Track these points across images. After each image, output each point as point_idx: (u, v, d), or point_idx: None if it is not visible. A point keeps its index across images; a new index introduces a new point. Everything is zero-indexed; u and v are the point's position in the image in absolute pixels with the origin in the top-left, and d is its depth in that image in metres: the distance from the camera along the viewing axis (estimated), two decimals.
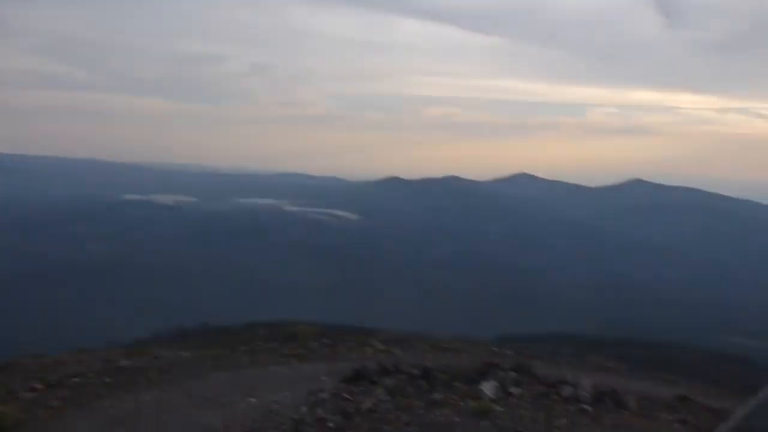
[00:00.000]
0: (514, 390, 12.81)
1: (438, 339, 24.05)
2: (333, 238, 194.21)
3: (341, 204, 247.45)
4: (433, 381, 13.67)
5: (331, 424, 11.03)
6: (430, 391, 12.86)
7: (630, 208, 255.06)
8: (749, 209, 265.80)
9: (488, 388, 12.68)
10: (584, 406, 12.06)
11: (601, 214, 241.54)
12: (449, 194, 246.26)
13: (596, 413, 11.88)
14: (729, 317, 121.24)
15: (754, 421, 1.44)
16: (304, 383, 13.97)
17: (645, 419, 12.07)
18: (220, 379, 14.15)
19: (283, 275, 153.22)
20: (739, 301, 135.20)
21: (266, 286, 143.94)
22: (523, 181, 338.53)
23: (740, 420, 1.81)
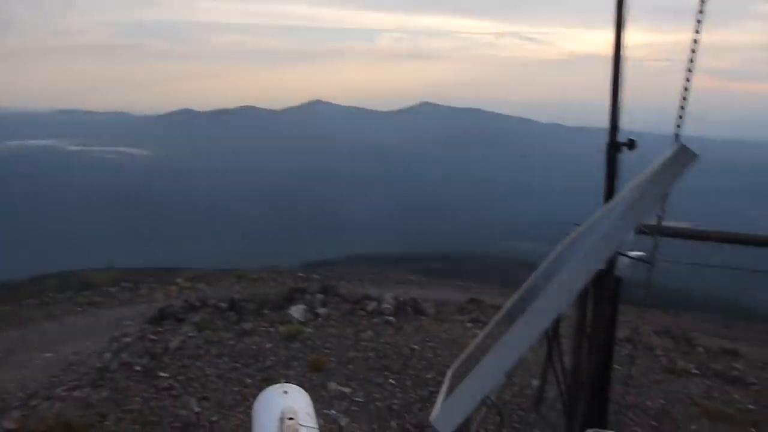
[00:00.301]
0: (321, 311, 13.21)
1: (244, 271, 23.97)
2: (122, 177, 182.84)
3: (129, 141, 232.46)
4: (242, 311, 13.68)
5: (138, 368, 10.67)
6: (239, 322, 12.87)
7: (420, 130, 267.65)
8: (526, 126, 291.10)
9: (296, 311, 12.95)
10: (388, 318, 12.78)
11: (394, 136, 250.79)
12: (245, 124, 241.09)
13: (399, 323, 12.65)
14: (514, 226, 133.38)
15: (514, 308, 1.65)
16: (105, 330, 13.33)
17: (442, 322, 13.09)
18: (11, 338, 13.06)
19: (70, 222, 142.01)
20: (522, 211, 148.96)
21: (52, 234, 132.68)
22: (318, 108, 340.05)
23: (508, 308, 2.05)
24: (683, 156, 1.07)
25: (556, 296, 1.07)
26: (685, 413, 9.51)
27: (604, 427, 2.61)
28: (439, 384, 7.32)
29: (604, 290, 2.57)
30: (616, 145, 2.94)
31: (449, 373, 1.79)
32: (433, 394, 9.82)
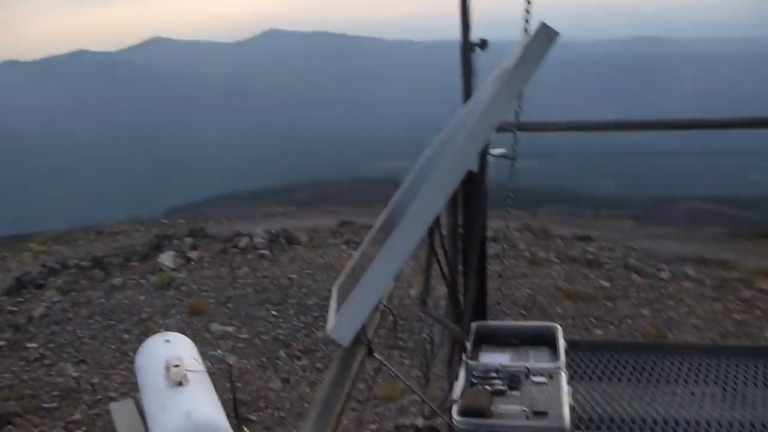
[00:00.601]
0: (192, 254, 12.88)
1: (103, 226, 22.75)
2: None
3: None
4: (108, 267, 13.05)
5: (2, 343, 10.04)
6: (106, 278, 12.30)
7: (269, 58, 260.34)
8: (376, 45, 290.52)
9: (166, 259, 12.55)
10: (262, 252, 12.69)
11: (242, 68, 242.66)
12: (80, 70, 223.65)
13: (273, 255, 12.60)
14: (375, 145, 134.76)
15: (387, 222, 1.67)
16: None
17: (316, 249, 13.17)
18: None
19: None
20: (381, 130, 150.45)
21: None
22: (158, 45, 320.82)
23: (380, 223, 2.08)
24: (545, 34, 1.09)
25: (435, 194, 1.08)
26: (550, 298, 10.29)
27: (485, 319, 2.75)
28: (323, 308, 7.46)
29: (474, 189, 2.67)
30: (469, 45, 2.99)
31: (335, 289, 1.79)
32: (317, 319, 9.97)
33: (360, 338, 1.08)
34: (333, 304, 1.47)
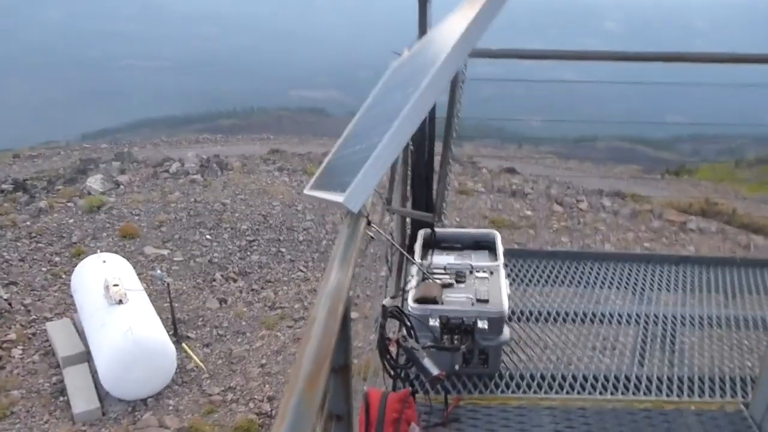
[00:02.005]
0: (122, 178, 12.69)
1: (19, 149, 21.88)
2: None
3: None
4: (31, 190, 12.74)
5: None
6: (30, 201, 12.01)
7: None
8: None
9: (94, 182, 12.33)
10: (194, 177, 12.62)
11: None
12: None
13: (206, 180, 12.57)
14: (300, 75, 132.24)
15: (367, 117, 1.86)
16: None
17: (249, 174, 13.19)
18: None
19: None
20: (306, 59, 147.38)
21: None
22: None
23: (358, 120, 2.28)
24: None
25: (425, 100, 1.31)
26: (477, 226, 10.79)
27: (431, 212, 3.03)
28: (256, 233, 7.64)
29: (430, 113, 2.91)
30: None
31: (312, 188, 2.01)
32: (252, 243, 10.16)
33: (362, 210, 1.32)
34: (319, 193, 1.70)
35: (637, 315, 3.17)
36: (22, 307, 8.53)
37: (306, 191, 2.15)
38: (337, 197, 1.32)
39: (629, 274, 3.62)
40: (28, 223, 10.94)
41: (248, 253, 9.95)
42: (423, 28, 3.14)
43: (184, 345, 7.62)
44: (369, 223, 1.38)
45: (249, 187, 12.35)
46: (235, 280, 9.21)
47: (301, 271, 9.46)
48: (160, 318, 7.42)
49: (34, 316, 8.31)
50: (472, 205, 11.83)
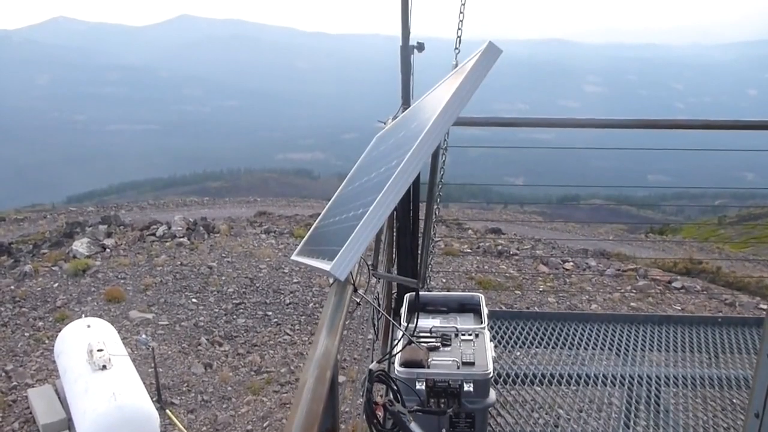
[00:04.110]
0: (108, 242, 12.67)
1: (5, 212, 21.85)
2: None
3: None
4: (16, 254, 12.67)
5: None
6: (15, 265, 11.94)
7: (180, 44, 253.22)
8: (290, 35, 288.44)
9: (80, 246, 12.29)
10: (180, 240, 12.63)
11: (151, 53, 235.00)
12: None
13: (192, 243, 12.58)
14: (287, 137, 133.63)
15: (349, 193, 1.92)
16: None
17: (235, 237, 13.23)
18: None
19: None
20: (291, 121, 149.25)
21: None
22: (62, 25, 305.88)
23: (340, 194, 2.36)
24: (491, 52, 1.41)
25: (418, 158, 1.38)
26: (464, 287, 10.81)
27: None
28: (243, 296, 7.65)
29: (415, 180, 3.00)
30: (409, 48, 3.31)
31: (300, 255, 2.07)
32: (238, 307, 10.11)
33: (349, 278, 1.37)
34: (307, 260, 1.75)
35: (622, 376, 3.20)
36: (3, 374, 8.38)
37: (293, 257, 2.21)
38: (325, 265, 1.37)
39: (614, 335, 3.67)
40: (12, 287, 10.85)
41: (234, 316, 9.89)
42: (406, 98, 3.27)
43: (168, 411, 7.49)
44: (356, 290, 1.43)
45: (236, 250, 12.37)
46: (220, 344, 9.12)
47: (288, 334, 9.40)
48: (144, 383, 7.31)
49: (15, 383, 8.16)
50: (458, 266, 11.88)
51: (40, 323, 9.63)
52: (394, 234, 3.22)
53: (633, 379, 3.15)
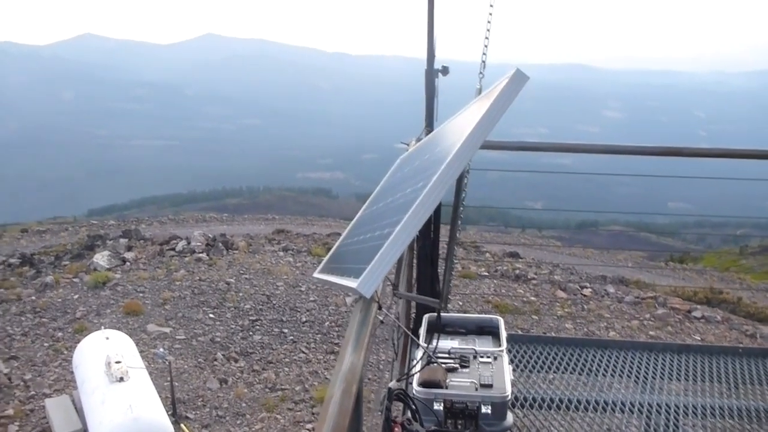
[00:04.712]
0: (128, 255, 12.80)
1: (28, 224, 22.17)
2: None
3: None
4: (38, 265, 12.85)
5: None
6: (37, 276, 12.10)
7: (204, 63, 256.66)
8: (312, 56, 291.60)
9: (101, 258, 12.43)
10: (199, 255, 12.73)
11: (176, 70, 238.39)
12: (6, 62, 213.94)
13: (211, 259, 12.67)
14: (306, 156, 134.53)
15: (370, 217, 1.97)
16: None
17: (254, 254, 13.30)
18: None
19: None
20: (311, 141, 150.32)
21: None
22: (89, 42, 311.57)
23: (360, 218, 2.40)
24: (519, 78, 1.45)
25: (434, 194, 1.42)
26: (480, 310, 10.78)
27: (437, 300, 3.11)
28: (259, 312, 7.69)
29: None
30: (433, 72, 3.36)
31: (322, 273, 2.10)
32: (254, 323, 10.14)
33: (374, 296, 1.40)
34: (330, 277, 1.78)
35: (641, 404, 3.18)
36: (22, 383, 8.46)
37: (316, 274, 2.24)
38: (351, 282, 1.40)
39: (632, 362, 3.65)
40: (33, 297, 10.99)
41: (251, 332, 9.92)
42: (430, 121, 3.31)
43: (182, 426, 7.51)
44: (380, 307, 1.46)
45: (254, 267, 12.43)
46: (236, 360, 9.15)
47: (303, 352, 9.41)
48: (160, 397, 7.35)
49: (33, 392, 8.24)
50: (475, 289, 11.85)
51: (60, 334, 9.72)
52: (415, 255, 3.25)
53: (651, 408, 3.14)
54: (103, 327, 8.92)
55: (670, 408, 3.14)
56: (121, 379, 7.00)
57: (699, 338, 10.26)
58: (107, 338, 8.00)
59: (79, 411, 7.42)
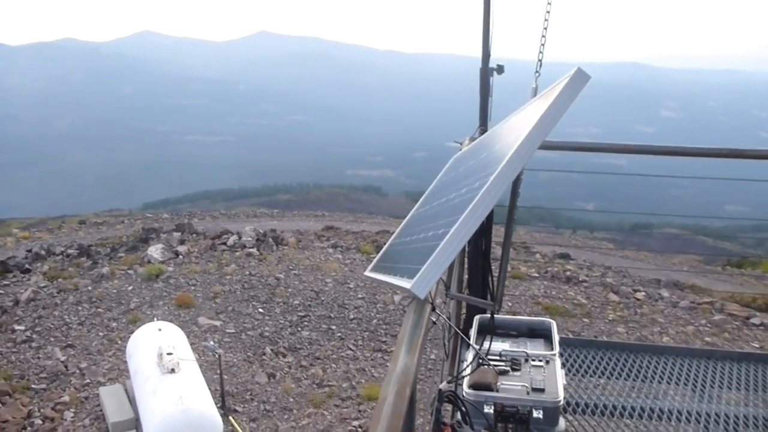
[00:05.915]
0: (181, 249, 13.06)
1: (85, 216, 22.80)
2: None
3: None
4: (95, 256, 13.21)
5: None
6: (93, 267, 12.45)
7: (258, 60, 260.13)
8: (365, 53, 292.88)
9: (155, 251, 12.72)
10: (250, 250, 12.90)
11: (230, 67, 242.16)
12: (66, 58, 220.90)
13: (261, 254, 12.82)
14: (356, 153, 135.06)
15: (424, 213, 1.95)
16: None
17: (303, 250, 13.41)
18: None
19: None
20: (362, 138, 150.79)
21: None
22: (148, 39, 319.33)
23: (415, 215, 2.38)
24: (579, 77, 1.41)
25: (491, 193, 1.39)
26: (530, 312, 10.64)
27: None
28: (308, 309, 7.73)
29: None
30: (488, 71, 3.31)
31: (374, 270, 2.09)
32: (303, 319, 10.23)
33: (428, 297, 1.38)
34: (383, 276, 1.77)
35: (698, 413, 3.08)
36: (78, 371, 8.72)
37: (367, 272, 2.23)
38: (405, 283, 1.38)
39: (689, 370, 3.53)
40: (89, 287, 11.32)
41: (299, 328, 10.00)
42: (484, 119, 3.27)
43: (231, 418, 7.62)
44: (434, 308, 1.44)
45: (303, 263, 12.54)
46: (284, 355, 9.24)
47: (351, 349, 9.44)
48: (210, 389, 7.46)
49: (88, 380, 8.48)
50: (525, 290, 11.70)
51: (114, 324, 9.99)
52: (466, 255, 3.21)
53: (710, 417, 3.03)
54: (155, 318, 9.12)
55: (729, 417, 3.03)
56: (173, 370, 7.14)
57: (757, 346, 9.91)
58: (160, 330, 8.17)
59: (132, 400, 7.61)
